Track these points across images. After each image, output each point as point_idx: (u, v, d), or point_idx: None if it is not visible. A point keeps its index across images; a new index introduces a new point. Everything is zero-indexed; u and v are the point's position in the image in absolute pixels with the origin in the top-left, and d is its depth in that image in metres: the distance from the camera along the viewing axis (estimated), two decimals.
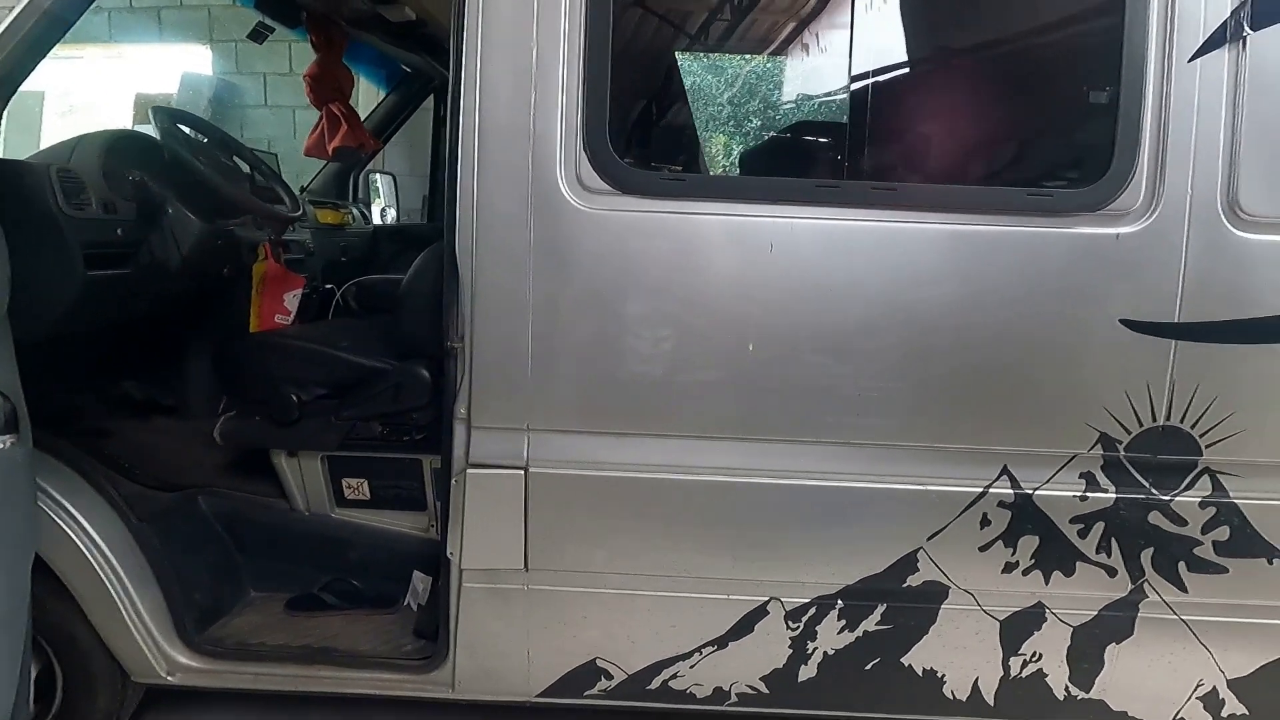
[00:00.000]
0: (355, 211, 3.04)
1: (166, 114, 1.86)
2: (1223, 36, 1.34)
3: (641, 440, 1.48)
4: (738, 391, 1.44)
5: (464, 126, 1.40)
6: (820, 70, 1.52)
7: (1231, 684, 1.54)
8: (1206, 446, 1.43)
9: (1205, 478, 1.45)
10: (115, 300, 1.78)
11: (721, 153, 1.74)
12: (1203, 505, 1.46)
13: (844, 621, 1.53)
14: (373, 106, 3.22)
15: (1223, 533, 1.47)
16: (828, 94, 1.49)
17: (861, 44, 1.38)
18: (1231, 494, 1.45)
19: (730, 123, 1.73)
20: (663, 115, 1.74)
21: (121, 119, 5.26)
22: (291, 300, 2.23)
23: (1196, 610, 1.50)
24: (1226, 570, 1.47)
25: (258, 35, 2.48)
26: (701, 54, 1.73)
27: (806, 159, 1.61)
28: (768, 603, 1.53)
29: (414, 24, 2.44)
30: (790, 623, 1.54)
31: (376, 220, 3.36)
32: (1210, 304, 1.38)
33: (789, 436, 1.46)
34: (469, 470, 1.48)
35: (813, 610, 1.53)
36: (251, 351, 1.90)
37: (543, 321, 1.42)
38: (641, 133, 1.75)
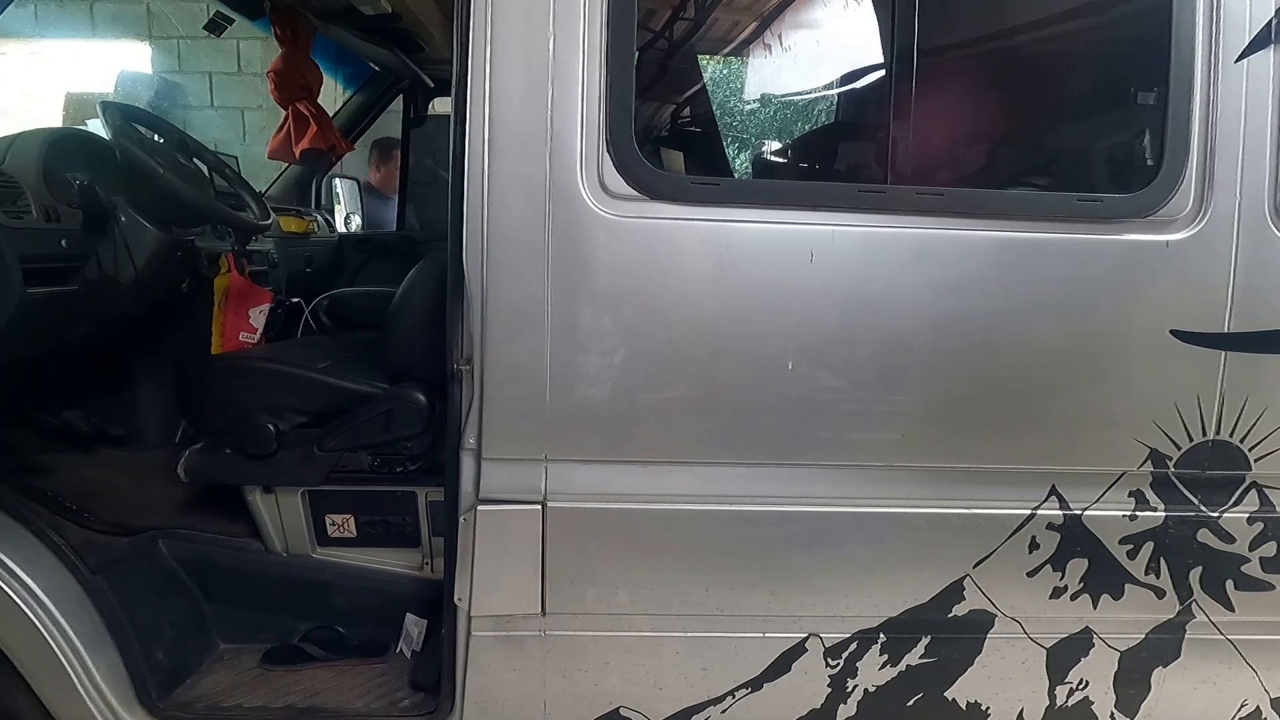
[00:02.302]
0: (320, 219, 2.84)
1: (118, 110, 1.66)
2: (1268, 36, 1.30)
3: (670, 469, 1.35)
4: (775, 413, 1.33)
5: (471, 127, 1.25)
6: (863, 70, 1.43)
7: (1275, 703, 1.50)
8: (1255, 460, 1.38)
9: (1253, 492, 1.40)
10: (58, 321, 1.57)
11: (757, 155, 1.63)
12: (1250, 521, 1.41)
13: (886, 656, 1.44)
14: (337, 106, 3.03)
15: (1270, 549, 1.42)
16: (871, 95, 1.39)
17: (905, 45, 1.28)
18: (1279, 509, 1.41)
19: (767, 122, 1.62)
20: (694, 113, 1.62)
21: (49, 120, 4.89)
22: (258, 317, 2.04)
23: (1243, 629, 1.45)
24: (1273, 587, 1.43)
25: (215, 26, 2.27)
26: (735, 48, 1.62)
27: (848, 163, 1.52)
28: (806, 639, 1.42)
29: (388, 17, 2.27)
30: (830, 660, 1.43)
31: (340, 228, 3.17)
32: (1260, 313, 1.33)
33: (830, 461, 1.35)
34: (479, 507, 1.33)
35: (853, 645, 1.43)
36: (219, 376, 1.70)
37: (561, 340, 1.28)
38: (670, 133, 1.63)
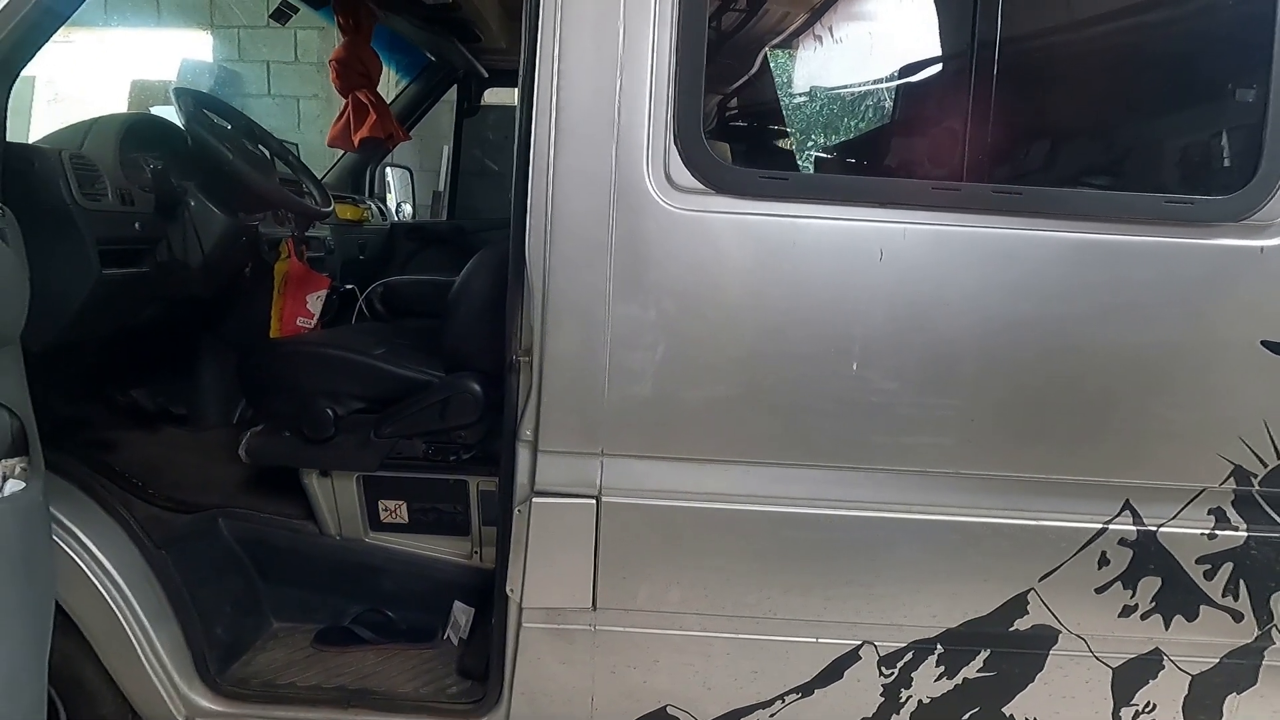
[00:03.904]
0: (374, 207, 2.88)
1: (191, 96, 1.69)
2: None
3: (727, 467, 1.33)
4: (838, 414, 1.30)
5: (539, 117, 1.24)
6: (940, 63, 1.38)
7: None
8: None
9: None
10: (130, 302, 1.61)
11: (827, 150, 1.59)
12: None
13: (943, 668, 1.40)
14: (390, 96, 3.06)
15: None
16: (948, 89, 1.35)
17: (987, 36, 1.24)
18: None
19: (837, 117, 1.58)
20: (762, 107, 1.59)
21: (115, 107, 5.05)
22: (315, 302, 2.06)
23: None
24: None
25: (281, 15, 2.31)
26: (806, 42, 1.58)
27: (922, 158, 1.47)
28: (860, 647, 1.39)
29: (447, 7, 2.28)
30: (884, 669, 1.40)
31: (392, 217, 3.20)
32: None
33: (892, 465, 1.32)
34: (534, 499, 1.33)
35: (909, 655, 1.39)
36: (282, 360, 1.73)
37: (623, 333, 1.27)
38: (739, 126, 1.60)
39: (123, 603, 1.40)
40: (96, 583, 1.39)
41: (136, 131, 1.61)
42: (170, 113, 1.75)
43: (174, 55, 5.07)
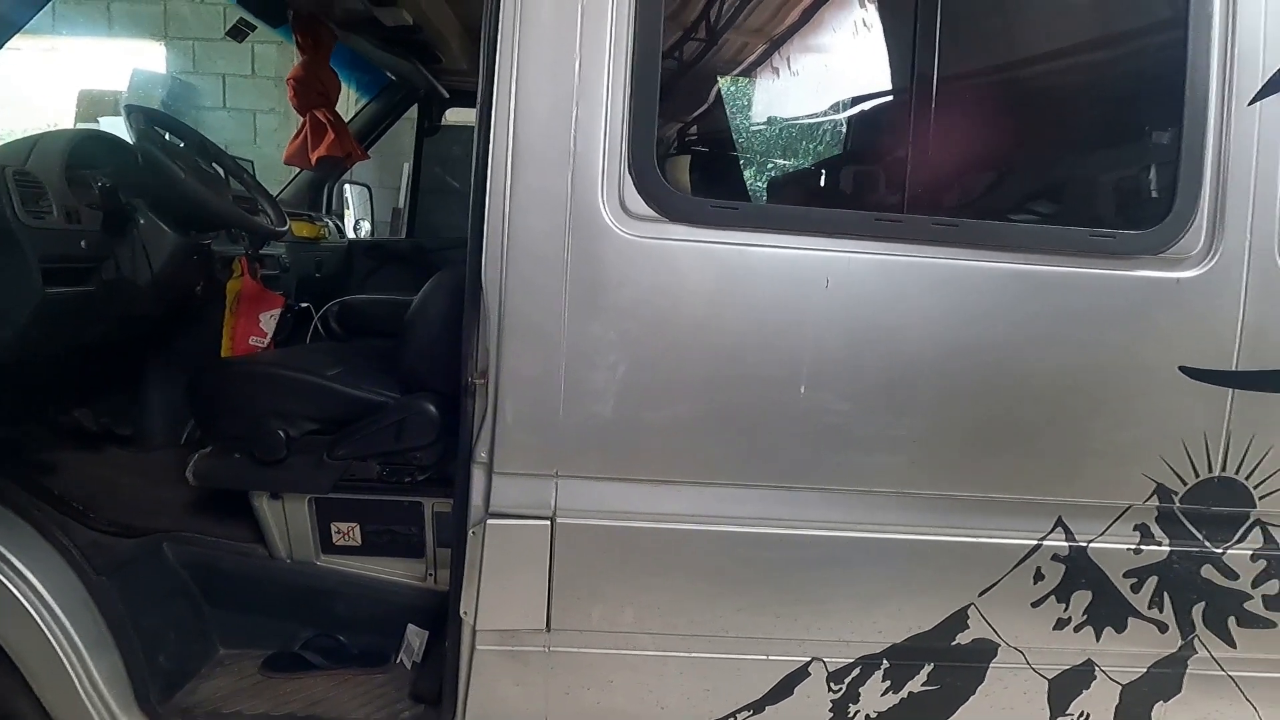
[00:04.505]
0: (331, 225, 2.85)
1: (142, 114, 1.67)
2: None
3: (680, 489, 1.36)
4: (786, 436, 1.34)
5: (495, 144, 1.27)
6: (882, 100, 1.45)
7: None
8: (1260, 498, 1.39)
9: (1257, 530, 1.41)
10: (74, 321, 1.57)
11: (775, 180, 1.65)
12: (1254, 558, 1.42)
13: (889, 682, 1.44)
14: (350, 114, 3.05)
15: (1273, 586, 1.43)
16: (889, 125, 1.41)
17: (924, 77, 1.31)
18: None
19: (786, 149, 1.64)
20: (714, 138, 1.64)
21: (62, 117, 4.92)
22: (268, 321, 2.04)
23: (1244, 666, 1.46)
24: (1275, 625, 1.43)
25: (237, 33, 2.29)
26: (757, 76, 1.64)
27: (866, 191, 1.53)
28: (809, 663, 1.42)
29: (408, 28, 2.29)
30: (832, 684, 1.43)
31: (350, 234, 3.18)
32: (1268, 352, 1.34)
33: (839, 485, 1.36)
34: (489, 520, 1.33)
35: (856, 671, 1.43)
36: (233, 380, 1.71)
37: (577, 357, 1.29)
38: (691, 156, 1.64)
39: (60, 633, 1.35)
40: (32, 612, 1.34)
41: (84, 147, 1.59)
42: (121, 124, 1.72)
43: (126, 66, 4.97)
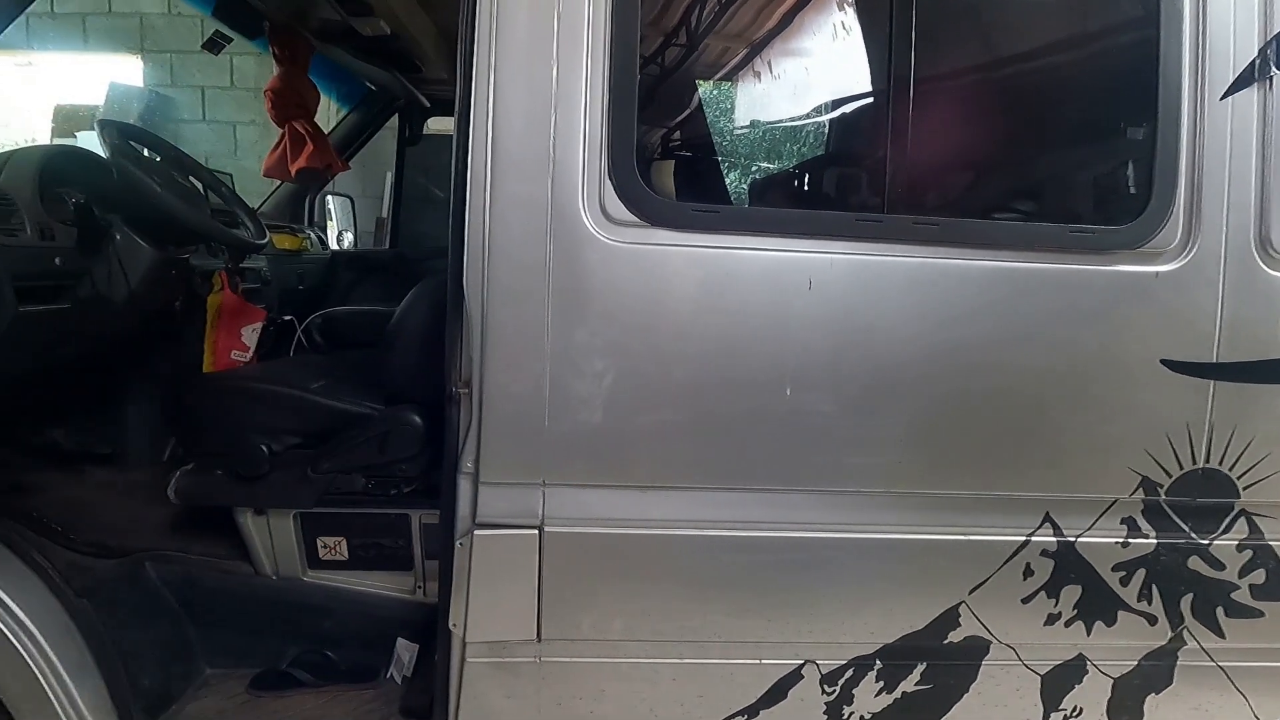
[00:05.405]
0: (313, 236, 2.83)
1: (116, 129, 1.65)
2: (1251, 75, 1.33)
3: (667, 494, 1.35)
4: (772, 439, 1.33)
5: (474, 152, 1.26)
6: (861, 101, 1.45)
7: None
8: (1244, 489, 1.40)
9: (1242, 520, 1.42)
10: (49, 339, 1.55)
11: (756, 183, 1.65)
12: (1240, 548, 1.43)
13: (882, 683, 1.43)
14: (330, 125, 3.03)
15: (1259, 576, 1.44)
16: (868, 125, 1.41)
17: (902, 77, 1.31)
18: (1267, 536, 1.43)
19: (767, 152, 1.64)
20: (694, 142, 1.64)
21: (38, 131, 4.86)
22: (250, 335, 2.02)
23: (1233, 656, 1.47)
24: (1263, 614, 1.44)
25: (214, 45, 2.27)
26: (736, 80, 1.64)
27: (846, 192, 1.54)
28: (802, 666, 1.41)
29: (386, 38, 2.28)
30: (826, 687, 1.43)
31: (333, 245, 3.16)
32: (1246, 344, 1.36)
33: (827, 486, 1.36)
34: (476, 531, 1.32)
35: (850, 672, 1.42)
36: (214, 395, 1.68)
37: (561, 364, 1.28)
38: (672, 160, 1.64)
39: (40, 657, 1.32)
40: (11, 637, 1.31)
41: (57, 164, 1.56)
42: (95, 139, 1.70)
43: (102, 80, 4.92)
